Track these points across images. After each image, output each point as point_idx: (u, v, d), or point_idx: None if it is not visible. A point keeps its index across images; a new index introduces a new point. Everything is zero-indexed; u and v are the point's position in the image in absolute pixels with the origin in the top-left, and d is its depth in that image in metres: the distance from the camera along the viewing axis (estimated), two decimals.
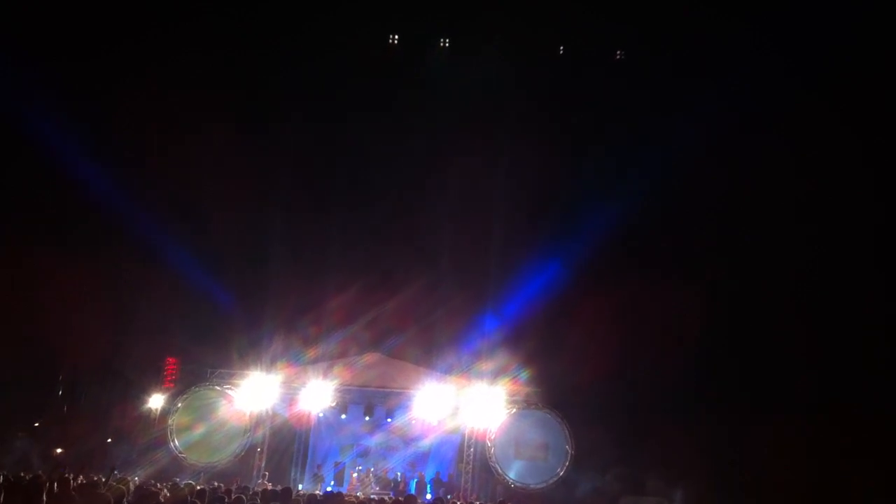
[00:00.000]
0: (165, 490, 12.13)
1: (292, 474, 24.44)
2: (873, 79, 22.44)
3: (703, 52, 24.08)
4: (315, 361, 23.80)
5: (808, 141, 23.06)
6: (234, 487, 14.09)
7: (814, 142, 22.98)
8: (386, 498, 18.95)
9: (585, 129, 25.85)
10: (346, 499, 13.17)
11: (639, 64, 25.86)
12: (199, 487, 11.50)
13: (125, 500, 9.90)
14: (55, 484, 8.75)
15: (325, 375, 23.17)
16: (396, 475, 23.85)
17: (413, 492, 22.48)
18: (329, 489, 22.41)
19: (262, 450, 23.35)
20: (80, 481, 12.54)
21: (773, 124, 24.11)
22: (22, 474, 12.67)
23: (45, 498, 7.73)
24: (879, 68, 22.23)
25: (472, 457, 23.16)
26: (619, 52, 25.96)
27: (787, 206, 23.92)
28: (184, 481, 15.48)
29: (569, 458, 22.26)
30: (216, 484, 14.62)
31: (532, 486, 22.29)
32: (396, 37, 25.98)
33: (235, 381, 23.28)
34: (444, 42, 26.12)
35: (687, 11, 23.62)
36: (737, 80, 23.58)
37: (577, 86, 25.91)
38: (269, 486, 18.77)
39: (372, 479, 23.57)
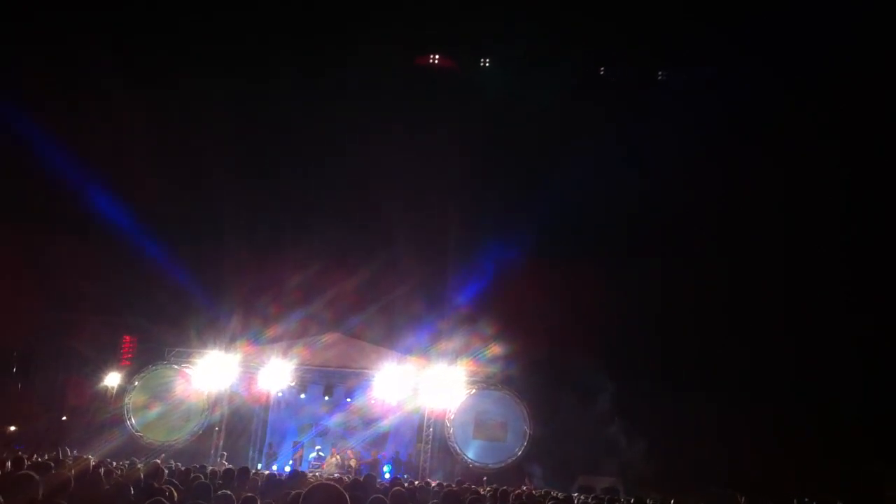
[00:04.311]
0: (121, 469, 12.00)
1: (250, 454, 24.31)
2: (868, 80, 22.90)
3: (693, 52, 24.42)
4: (274, 341, 23.66)
5: (803, 141, 23.45)
6: (192, 467, 13.97)
7: (811, 142, 23.37)
8: (345, 478, 18.91)
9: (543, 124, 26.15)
10: (308, 478, 13.13)
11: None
12: (155, 467, 11.36)
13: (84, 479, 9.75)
14: (8, 463, 8.62)
15: (285, 355, 23.05)
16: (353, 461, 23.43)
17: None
18: (287, 469, 22.18)
19: (220, 429, 23.20)
20: (34, 460, 12.36)
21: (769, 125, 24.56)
22: None
23: None
24: (872, 70, 22.69)
25: (430, 437, 23.26)
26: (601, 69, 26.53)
27: (780, 203, 24.37)
28: (140, 461, 15.33)
29: (527, 437, 22.53)
30: (174, 464, 14.48)
31: (490, 465, 22.52)
32: None
33: (193, 360, 23.08)
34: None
35: (682, 14, 23.89)
36: (733, 80, 23.90)
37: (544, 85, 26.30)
38: (227, 466, 18.62)
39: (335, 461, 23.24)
